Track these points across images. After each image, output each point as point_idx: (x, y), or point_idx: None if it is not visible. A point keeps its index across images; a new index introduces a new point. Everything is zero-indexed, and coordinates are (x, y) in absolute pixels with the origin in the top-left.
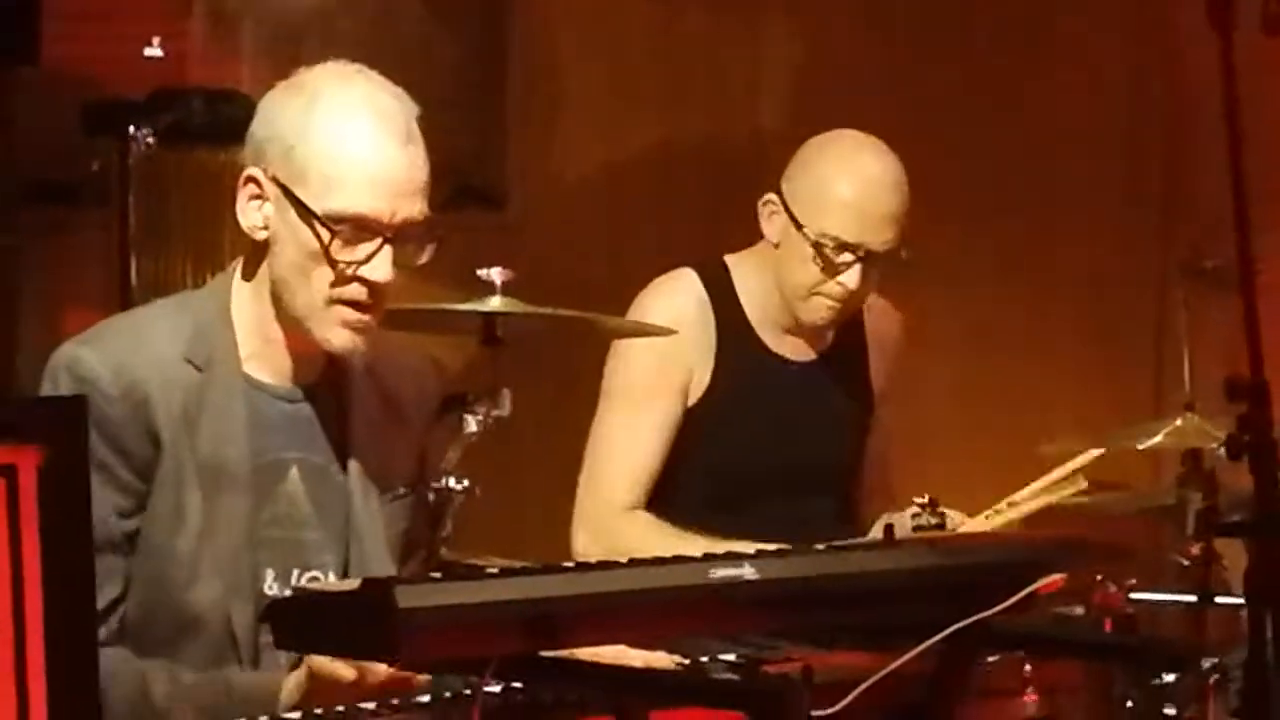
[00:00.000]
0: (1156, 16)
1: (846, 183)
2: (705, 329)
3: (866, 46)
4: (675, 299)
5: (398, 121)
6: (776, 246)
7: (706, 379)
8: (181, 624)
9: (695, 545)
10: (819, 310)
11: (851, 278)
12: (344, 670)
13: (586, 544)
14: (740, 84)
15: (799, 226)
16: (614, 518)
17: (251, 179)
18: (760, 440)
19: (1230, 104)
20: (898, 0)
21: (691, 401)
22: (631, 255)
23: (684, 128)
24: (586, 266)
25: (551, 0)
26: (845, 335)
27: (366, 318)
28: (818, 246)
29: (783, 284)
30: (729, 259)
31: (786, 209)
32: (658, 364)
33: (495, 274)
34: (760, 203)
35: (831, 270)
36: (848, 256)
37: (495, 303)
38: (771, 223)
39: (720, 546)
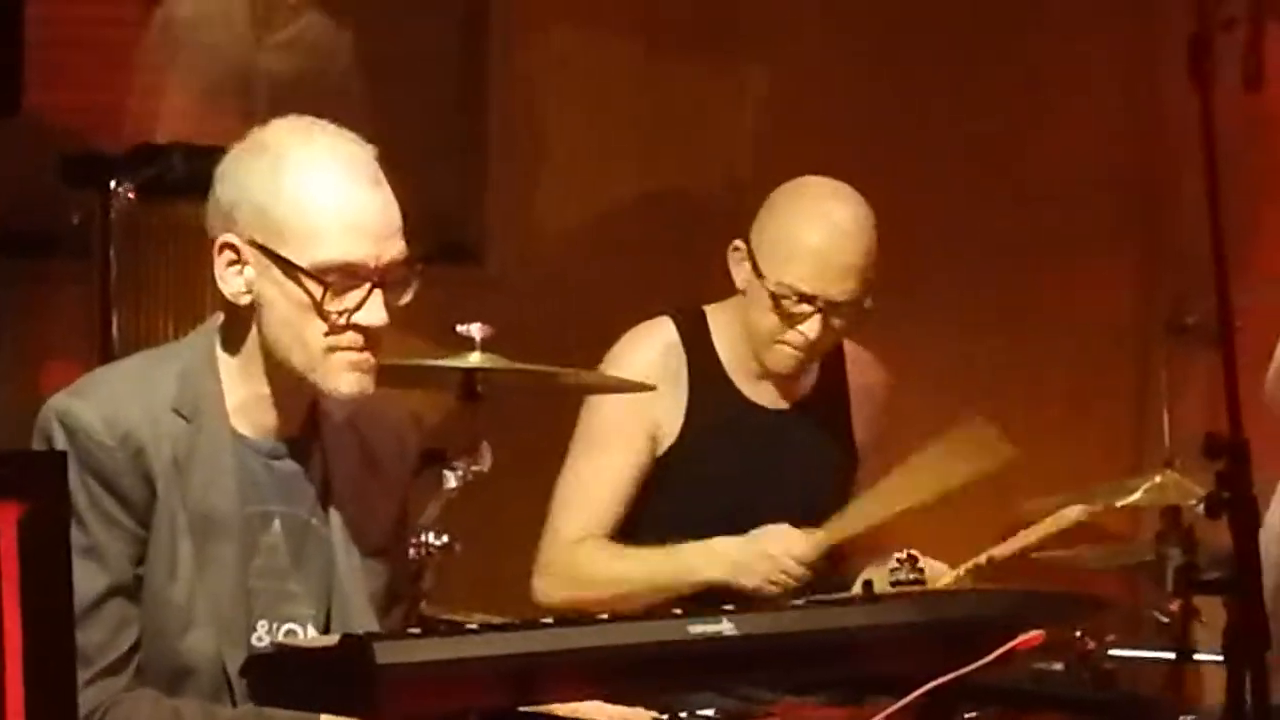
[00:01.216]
0: (1143, 73)
1: (808, 232)
2: (676, 376)
3: (849, 97)
4: (645, 348)
5: (365, 167)
6: (743, 293)
7: (677, 427)
8: (176, 672)
9: (639, 558)
10: (782, 358)
11: (811, 328)
12: None
13: (543, 586)
14: (721, 135)
15: (760, 276)
16: (567, 552)
17: (228, 245)
18: (734, 486)
19: (1209, 162)
20: (881, 50)
21: (662, 450)
22: (612, 309)
23: (665, 180)
24: (567, 320)
25: (531, 52)
26: (826, 384)
27: (369, 356)
28: (775, 297)
29: (749, 331)
30: (707, 308)
31: (751, 256)
32: (623, 413)
33: (475, 329)
34: (730, 249)
35: (790, 320)
36: (806, 307)
37: (475, 358)
38: (739, 269)
39: (668, 555)
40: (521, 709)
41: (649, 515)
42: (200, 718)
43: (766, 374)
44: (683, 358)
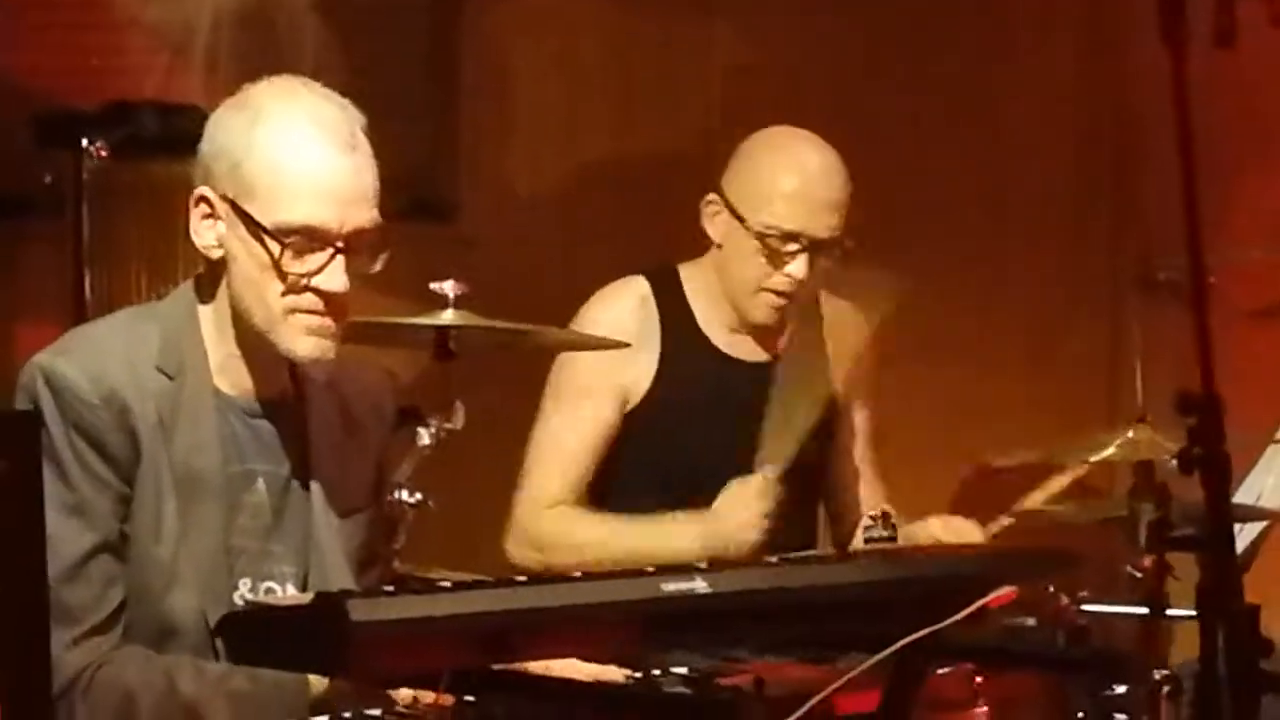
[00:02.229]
0: (1108, 29)
1: (787, 173)
2: (648, 333)
3: (818, 58)
4: (616, 305)
5: (341, 130)
6: (719, 247)
7: (648, 381)
8: (161, 630)
9: (615, 526)
10: (764, 308)
11: (798, 268)
12: None
13: (514, 546)
14: (693, 95)
15: (741, 221)
16: (537, 515)
17: (203, 199)
18: (711, 439)
19: (1182, 119)
20: (849, 9)
21: (633, 404)
22: (585, 266)
23: (636, 138)
24: (540, 278)
25: (502, 12)
26: (802, 336)
27: (329, 322)
28: (762, 238)
29: (729, 283)
30: (681, 266)
31: (729, 206)
32: (593, 371)
33: (448, 287)
34: (702, 204)
35: (777, 261)
36: (793, 246)
37: (448, 316)
38: (714, 223)
39: (638, 529)
40: (495, 667)
41: (620, 469)
42: (191, 673)
43: (745, 327)
44: (655, 314)
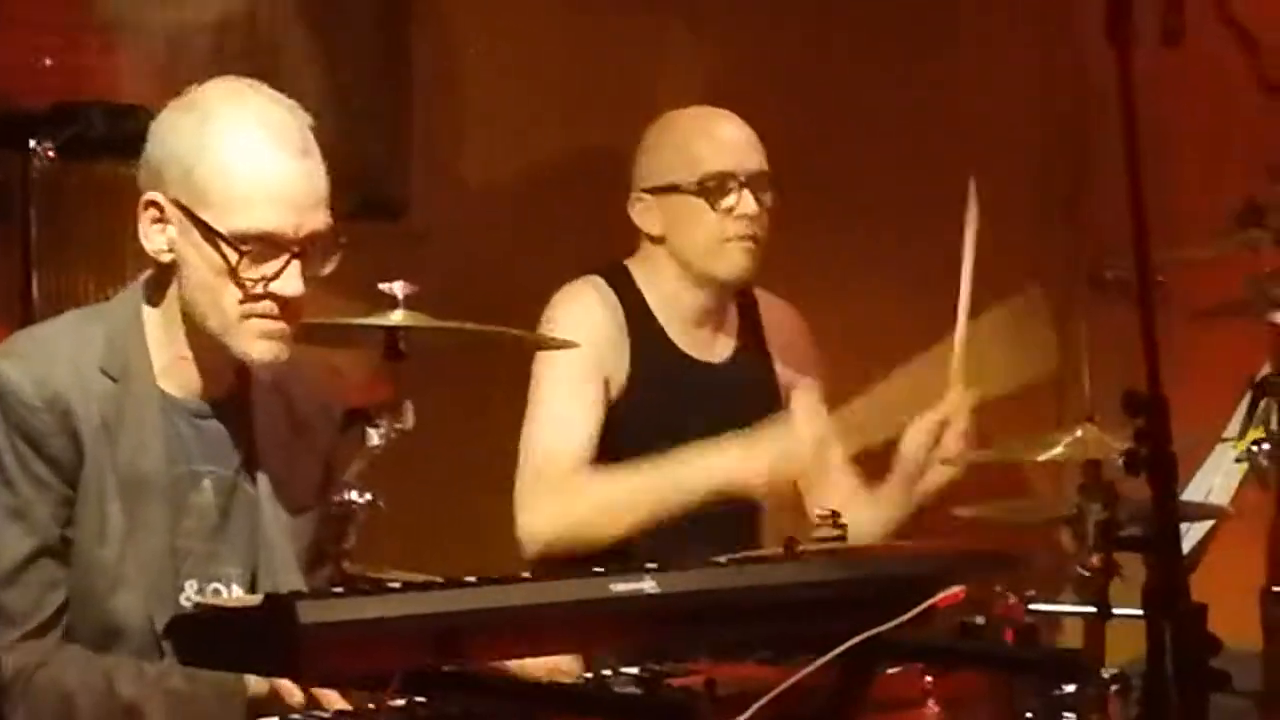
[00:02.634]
0: (1062, 29)
1: (699, 130)
2: (619, 333)
3: (773, 55)
4: (586, 306)
5: (293, 135)
6: (662, 240)
7: (624, 381)
8: (106, 632)
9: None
10: (736, 258)
11: (747, 204)
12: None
13: (532, 522)
14: (646, 93)
15: (677, 188)
16: (556, 483)
17: (153, 203)
18: (677, 442)
19: (1128, 118)
20: (803, 8)
21: (614, 396)
22: (536, 266)
23: (589, 137)
24: (491, 277)
25: (454, 8)
26: (746, 334)
27: (283, 325)
28: (703, 189)
29: (688, 259)
30: (628, 263)
31: (657, 189)
32: (586, 359)
33: (398, 288)
34: (629, 206)
35: (725, 207)
36: (732, 185)
37: (398, 316)
38: (648, 216)
39: (665, 470)
40: (446, 667)
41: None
42: (130, 674)
43: (703, 318)
44: (620, 313)
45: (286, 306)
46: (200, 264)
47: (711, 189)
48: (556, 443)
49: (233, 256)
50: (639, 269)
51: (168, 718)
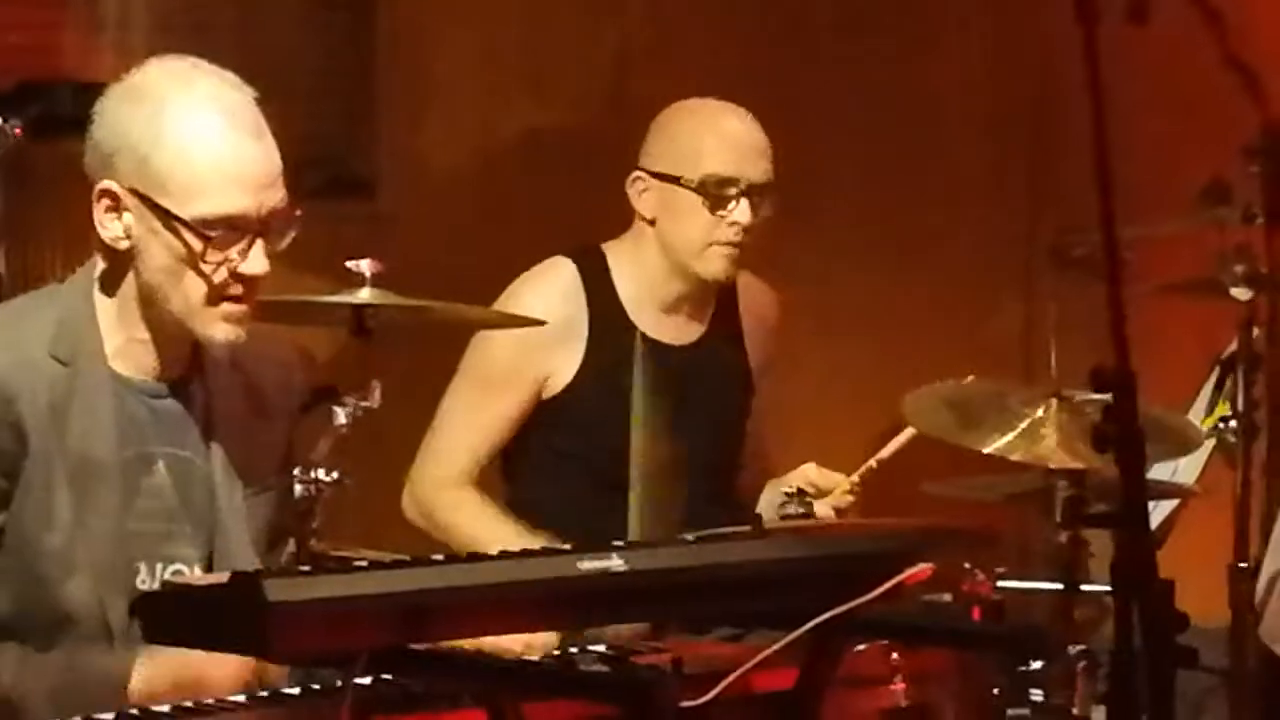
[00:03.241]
0: (1024, 5)
1: (714, 126)
2: (574, 319)
3: (735, 33)
4: (543, 289)
5: (247, 115)
6: (653, 223)
7: (574, 368)
8: (56, 620)
9: (513, 529)
10: (717, 261)
11: (742, 213)
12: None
13: (409, 509)
14: (609, 70)
15: (678, 180)
16: (438, 490)
17: (107, 192)
18: (637, 426)
19: (1095, 95)
20: None
21: (555, 391)
22: (503, 244)
23: (554, 115)
24: (458, 255)
25: None
26: (722, 318)
27: (244, 308)
28: (703, 189)
29: (673, 251)
30: (606, 246)
31: (659, 175)
32: (513, 353)
33: (365, 265)
34: (629, 183)
35: (721, 208)
36: (732, 191)
37: (365, 294)
38: (644, 199)
39: (532, 538)
40: (413, 645)
41: (537, 451)
42: (14, 662)
43: (676, 306)
44: (582, 299)
45: (249, 286)
46: (161, 251)
47: (711, 191)
48: (452, 450)
49: (196, 244)
50: (618, 250)
51: (47, 704)
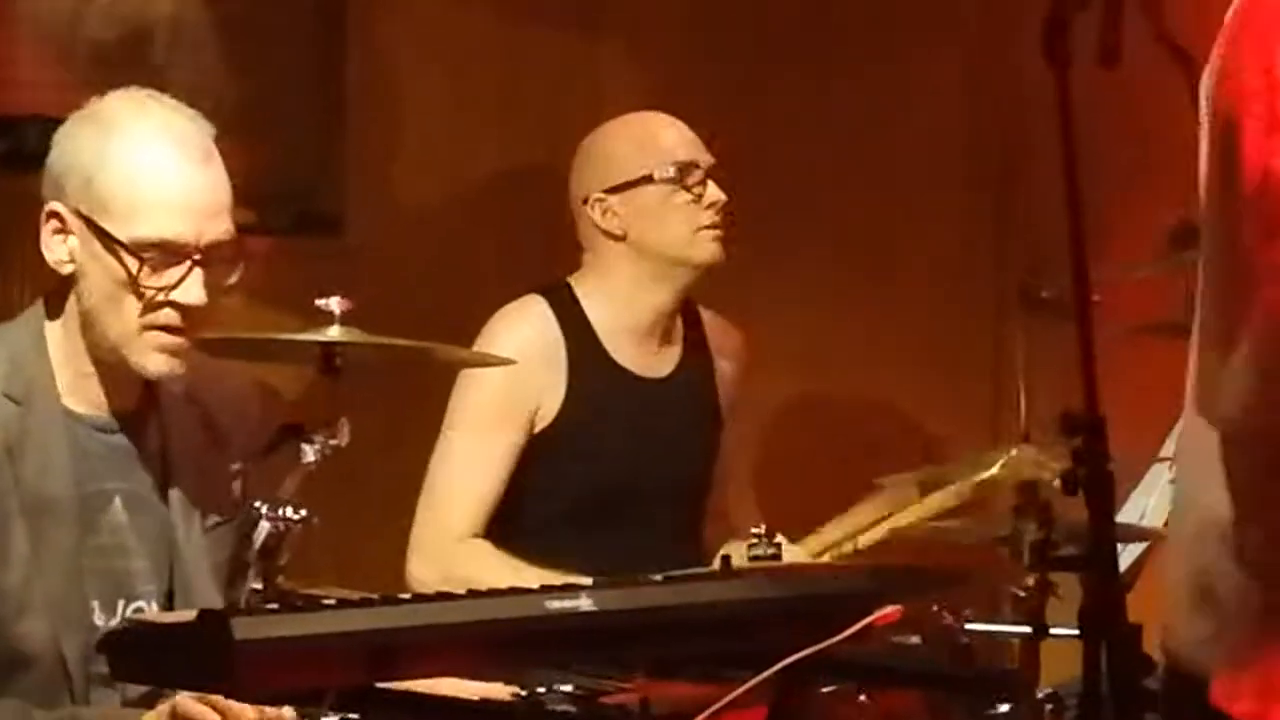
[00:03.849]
0: (994, 46)
1: (652, 127)
2: (554, 354)
3: (707, 68)
4: (522, 327)
5: (195, 143)
6: (623, 238)
7: (558, 404)
8: (11, 659)
9: (532, 575)
10: (708, 245)
11: (715, 192)
12: (209, 713)
13: (421, 571)
14: (581, 106)
15: (650, 178)
16: (451, 545)
17: (54, 214)
18: (616, 460)
19: (1066, 138)
20: (739, 23)
21: (541, 427)
22: (474, 280)
23: (525, 151)
24: (427, 292)
25: (389, 21)
26: (691, 351)
27: (181, 340)
28: (680, 177)
29: (659, 252)
30: (571, 280)
31: (621, 186)
32: (502, 393)
33: (334, 303)
34: (585, 210)
35: (695, 195)
36: (699, 174)
37: (334, 332)
38: (609, 218)
39: (558, 578)
40: (380, 685)
41: (526, 492)
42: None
43: (648, 333)
44: (558, 333)
45: (188, 318)
46: (101, 274)
47: (686, 177)
48: (458, 499)
49: (133, 265)
50: (584, 282)
51: None
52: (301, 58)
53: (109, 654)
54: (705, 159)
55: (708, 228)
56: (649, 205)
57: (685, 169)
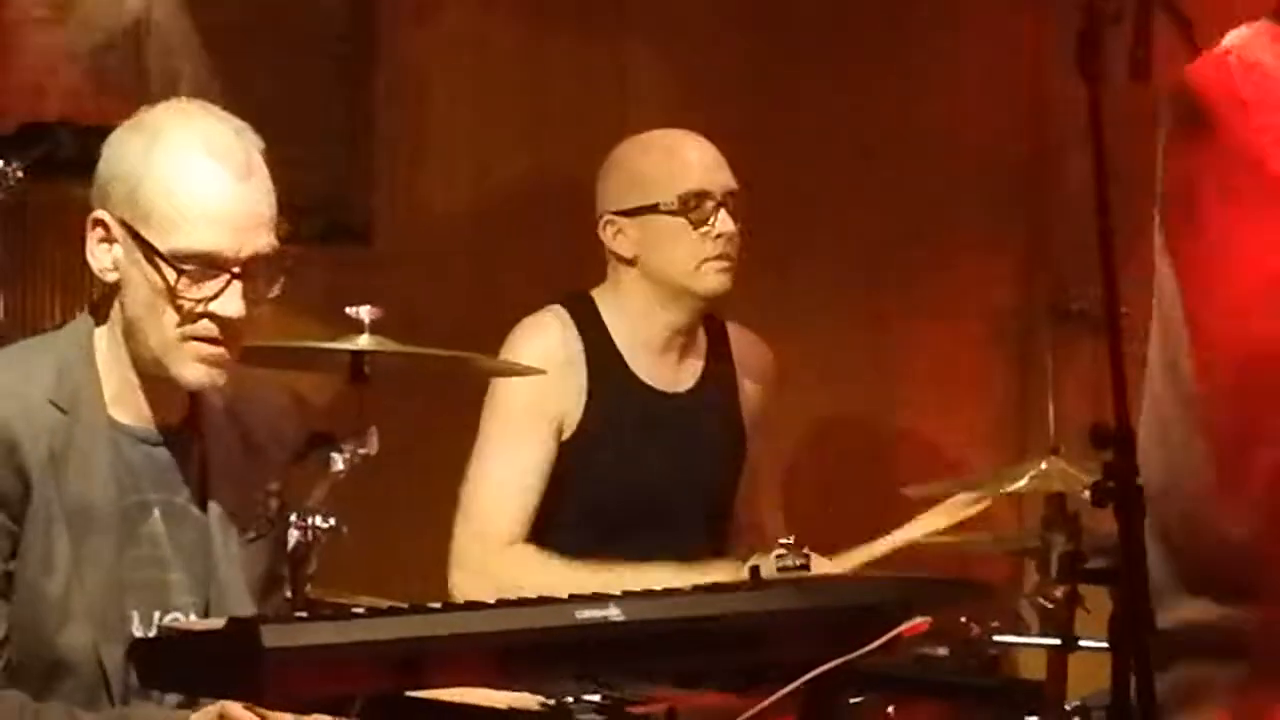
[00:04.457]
0: (1022, 60)
1: (672, 150)
2: (576, 366)
3: (731, 80)
4: (545, 337)
5: (238, 156)
6: (633, 262)
7: (579, 415)
8: (52, 667)
9: (580, 576)
10: (712, 277)
11: (724, 223)
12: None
13: (465, 583)
14: (607, 116)
15: (655, 208)
16: (495, 554)
17: (99, 222)
18: (635, 473)
19: (1098, 152)
20: (763, 33)
21: (565, 437)
22: (500, 290)
23: (551, 161)
24: (455, 301)
25: (417, 31)
26: (714, 365)
27: (221, 351)
28: (684, 208)
29: (664, 280)
30: (594, 292)
31: (632, 211)
32: (532, 401)
33: (364, 312)
34: (601, 228)
35: (703, 227)
36: (710, 204)
37: (363, 341)
38: (619, 240)
39: (604, 577)
40: (408, 694)
41: (552, 501)
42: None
43: (668, 348)
44: (579, 344)
45: (227, 330)
46: (141, 283)
47: (692, 208)
48: (498, 507)
49: (171, 275)
50: (605, 296)
51: None
52: (331, 67)
53: (138, 662)
54: (721, 186)
55: (714, 259)
56: (656, 233)
57: (694, 199)
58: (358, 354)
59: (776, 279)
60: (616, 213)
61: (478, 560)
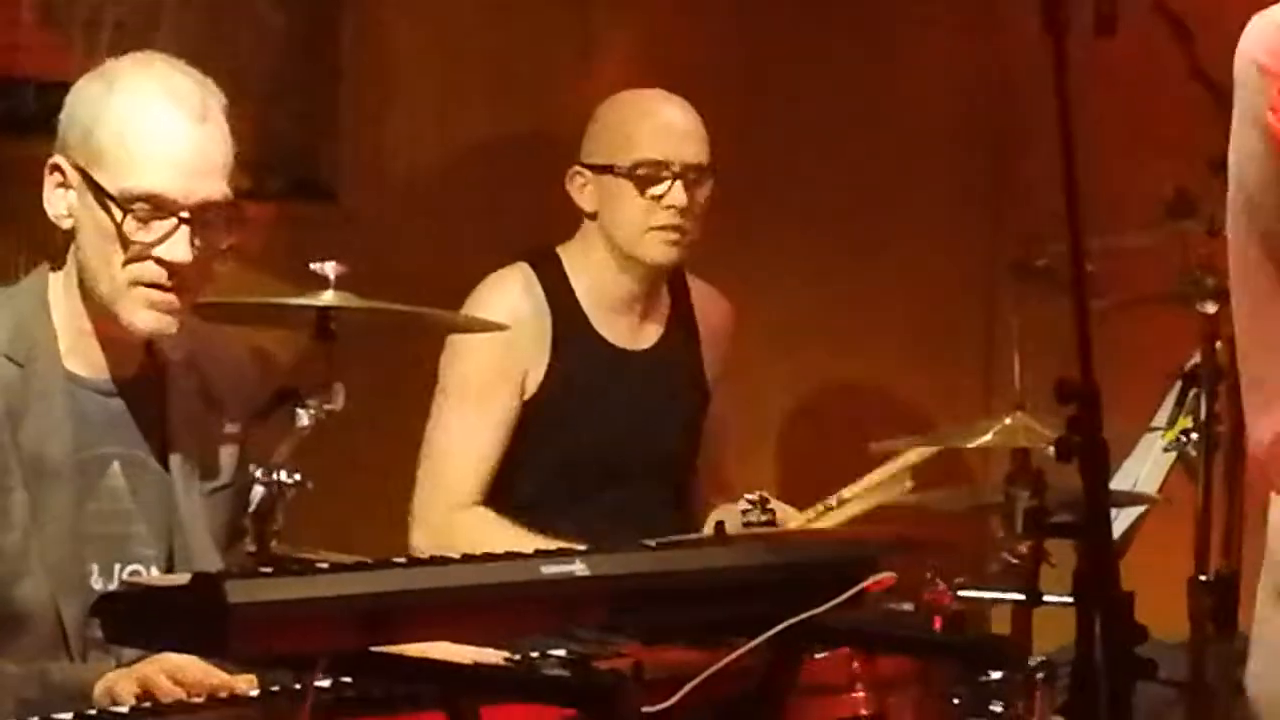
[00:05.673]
0: (988, 15)
1: (643, 114)
2: (540, 322)
3: (697, 37)
4: (509, 294)
5: (192, 101)
6: (594, 216)
7: (542, 372)
8: (9, 620)
9: (534, 542)
10: (657, 246)
11: (677, 196)
12: (164, 682)
13: (424, 541)
14: (571, 72)
15: (612, 169)
16: (452, 514)
17: (56, 167)
18: (598, 431)
19: (1063, 108)
20: (731, 1)
21: (528, 395)
22: (465, 247)
23: (516, 119)
24: (420, 258)
25: None
26: (676, 323)
27: (171, 298)
28: (635, 176)
29: (615, 241)
30: (560, 249)
31: (595, 167)
32: (494, 359)
33: (329, 268)
34: (567, 179)
35: (655, 196)
36: (666, 175)
37: (328, 296)
38: (584, 193)
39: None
40: (373, 649)
41: (516, 459)
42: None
43: (631, 304)
44: (543, 301)
45: (176, 276)
46: (93, 227)
47: (642, 176)
48: (456, 469)
49: (119, 216)
50: (570, 251)
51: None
52: (296, 24)
53: (102, 617)
54: (682, 158)
55: (660, 229)
56: (612, 194)
57: (647, 167)
58: (323, 310)
59: (743, 241)
60: (585, 165)
61: (436, 519)
